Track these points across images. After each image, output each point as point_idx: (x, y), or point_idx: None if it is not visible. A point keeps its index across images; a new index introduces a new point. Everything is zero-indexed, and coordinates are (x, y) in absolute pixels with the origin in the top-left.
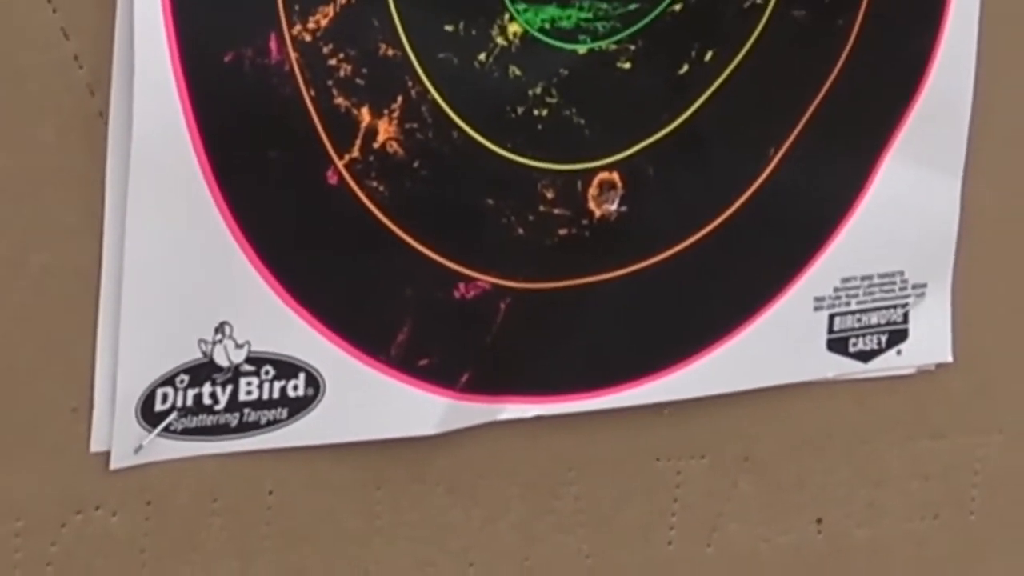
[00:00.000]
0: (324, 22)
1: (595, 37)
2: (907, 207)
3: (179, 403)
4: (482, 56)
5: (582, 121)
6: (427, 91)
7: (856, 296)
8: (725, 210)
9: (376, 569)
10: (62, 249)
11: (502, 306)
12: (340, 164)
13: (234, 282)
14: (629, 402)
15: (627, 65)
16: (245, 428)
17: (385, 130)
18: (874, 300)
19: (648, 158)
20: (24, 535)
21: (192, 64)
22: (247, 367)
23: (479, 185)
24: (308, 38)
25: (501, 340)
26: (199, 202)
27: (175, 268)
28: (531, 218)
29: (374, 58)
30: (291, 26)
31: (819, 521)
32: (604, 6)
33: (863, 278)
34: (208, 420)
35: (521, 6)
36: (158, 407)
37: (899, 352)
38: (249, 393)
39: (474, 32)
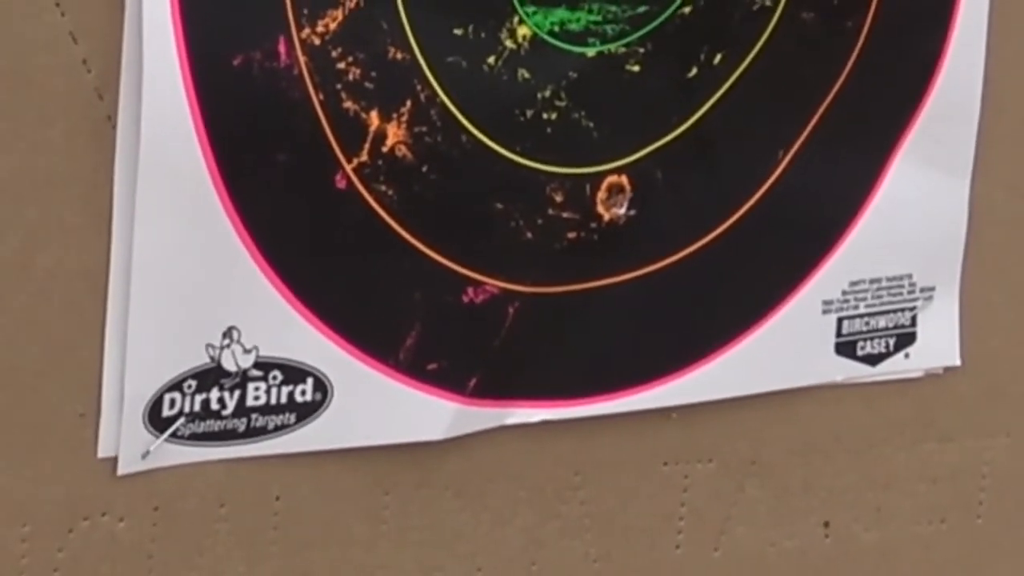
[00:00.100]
0: (333, 25)
1: (604, 40)
2: (915, 210)
3: (187, 408)
4: (491, 59)
5: (591, 124)
6: (436, 94)
7: (864, 299)
8: (734, 213)
9: (383, 573)
10: (70, 253)
11: (511, 310)
12: (349, 168)
13: (242, 286)
14: (637, 406)
15: (636, 68)
16: (253, 433)
17: (394, 134)
18: (882, 303)
19: (657, 161)
20: (31, 540)
21: (201, 68)
22: (255, 372)
23: (488, 189)
24: (317, 41)
25: (509, 344)
26: (207, 206)
27: (183, 272)
28: (540, 222)
29: (383, 61)
30: (300, 29)
31: (826, 524)
32: (613, 9)
33: (871, 281)
34: (216, 425)
35: (530, 9)
36: (165, 412)
37: (907, 355)
38: (257, 398)
39: (483, 35)
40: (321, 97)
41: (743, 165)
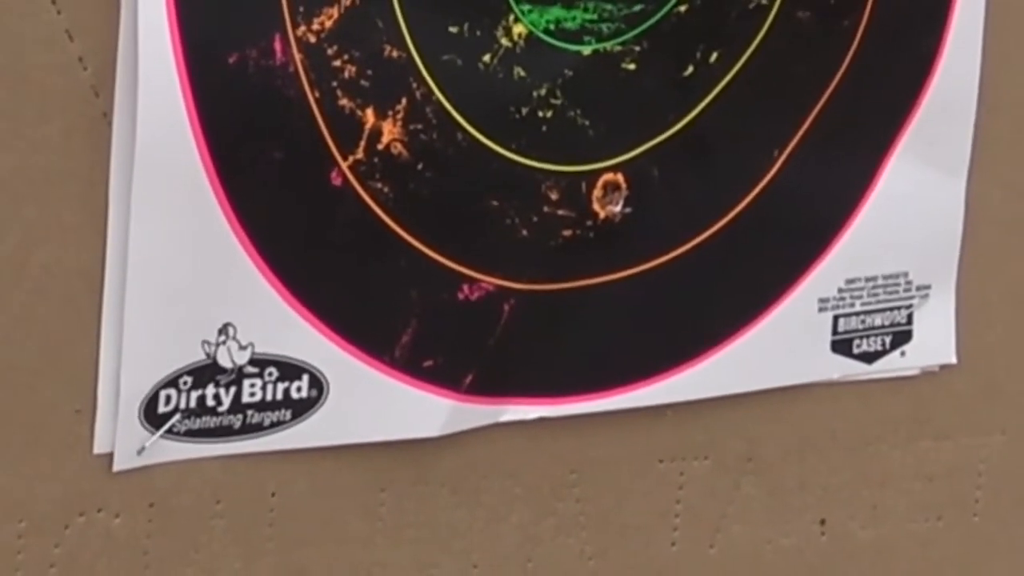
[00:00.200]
0: (328, 23)
1: (600, 38)
2: (912, 208)
3: (182, 405)
4: (487, 57)
5: (587, 122)
6: (432, 92)
7: (860, 297)
8: (730, 211)
9: (379, 571)
10: (65, 250)
11: (506, 307)
12: (344, 165)
13: (238, 283)
14: (632, 403)
15: (632, 66)
16: (248, 430)
17: (389, 131)
18: (878, 301)
19: (653, 159)
20: (27, 537)
21: (196, 65)
22: (250, 369)
23: (483, 186)
24: (312, 39)
25: (505, 341)
26: (203, 203)
27: (179, 269)
28: (535, 219)
29: (379, 59)
30: (295, 27)
31: (822, 522)
32: (609, 7)
33: (867, 279)
34: (211, 422)
35: (526, 7)
36: (161, 409)
37: (903, 353)
38: (252, 395)
39: (479, 33)
40: (317, 95)
41: (739, 163)
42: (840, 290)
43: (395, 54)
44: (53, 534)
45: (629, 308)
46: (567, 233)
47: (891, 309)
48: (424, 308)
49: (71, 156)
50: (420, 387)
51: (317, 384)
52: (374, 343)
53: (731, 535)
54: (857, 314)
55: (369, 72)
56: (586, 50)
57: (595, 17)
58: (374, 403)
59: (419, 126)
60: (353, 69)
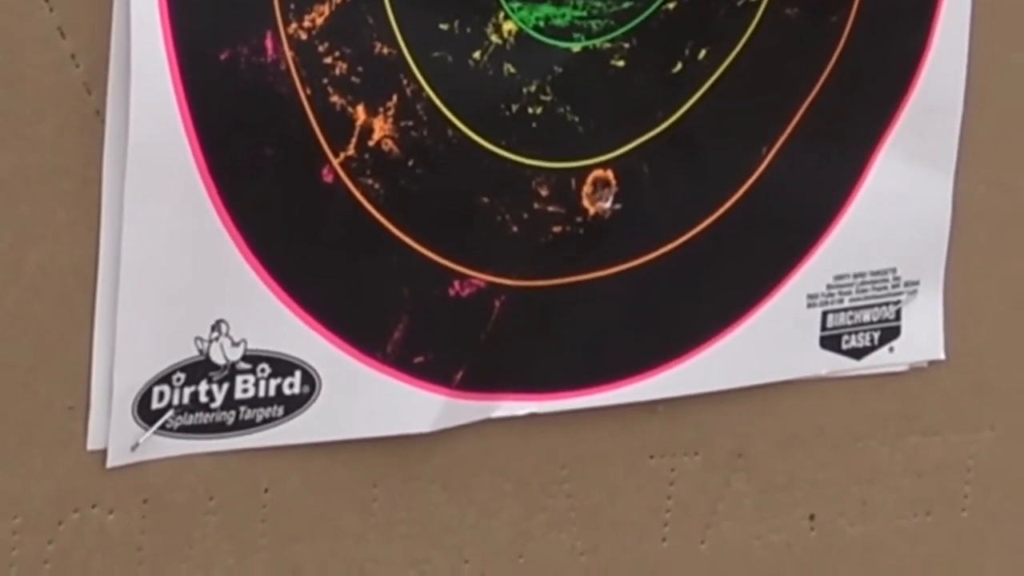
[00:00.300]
0: (319, 21)
1: (589, 35)
2: (900, 204)
3: (175, 401)
4: (477, 54)
5: (576, 119)
6: (422, 89)
7: (849, 293)
8: (719, 208)
9: (372, 566)
10: (58, 247)
11: (497, 304)
12: (336, 162)
13: (230, 280)
14: (623, 399)
15: (621, 63)
16: (241, 426)
17: (380, 128)
18: (867, 297)
19: (642, 156)
20: (21, 533)
21: (188, 63)
22: (243, 365)
23: (474, 183)
24: (304, 36)
25: (496, 338)
26: (195, 200)
27: (171, 266)
28: (525, 216)
29: (369, 56)
30: (287, 24)
31: (812, 518)
32: (598, 4)
33: (856, 275)
34: (204, 418)
35: (516, 4)
36: (154, 405)
37: (891, 349)
38: (245, 391)
39: (469, 30)
40: (308, 92)
41: (728, 159)
42: (829, 286)
43: (386, 51)
44: (47, 530)
45: (619, 304)
46: (557, 229)
47: (879, 305)
48: (415, 304)
49: (64, 153)
50: (412, 383)
51: (309, 380)
52: (366, 339)
53: (721, 531)
54: (846, 310)
55: (360, 69)
56: (575, 47)
57: (584, 14)
58: (366, 399)
59: (410, 123)
60: (344, 66)
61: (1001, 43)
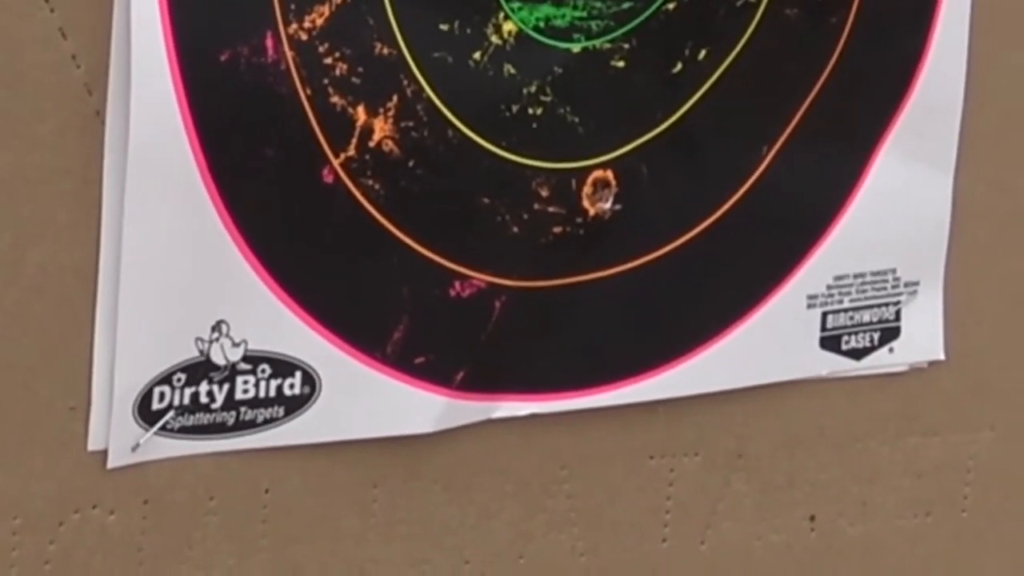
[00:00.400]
0: (320, 21)
1: (589, 36)
2: (899, 204)
3: (176, 402)
4: (477, 55)
5: (576, 119)
6: (422, 90)
7: (849, 294)
8: (718, 208)
9: (372, 567)
10: (59, 248)
11: (497, 304)
12: (336, 163)
13: (231, 280)
14: (623, 400)
15: (621, 64)
16: (242, 427)
17: (381, 129)
18: (867, 298)
19: (642, 156)
20: (22, 533)
21: (189, 63)
22: (244, 365)
23: (474, 183)
24: (304, 37)
25: (496, 338)
26: (196, 201)
27: (172, 266)
28: (526, 216)
29: (369, 57)
30: (287, 25)
31: (812, 518)
32: (598, 5)
33: (856, 276)
34: (205, 419)
35: (516, 5)
36: (155, 406)
37: (891, 350)
38: (246, 392)
39: (469, 31)
40: (308, 92)
41: (728, 160)
42: (829, 287)
43: (386, 51)
44: (48, 531)
45: (620, 305)
46: (557, 230)
47: (879, 305)
48: (416, 305)
49: (64, 154)
50: (412, 384)
51: (310, 381)
52: (366, 340)
53: (721, 531)
54: (846, 310)
55: (360, 70)
56: (576, 48)
57: (584, 15)
58: (366, 400)
59: (410, 123)
60: (344, 67)
61: (1000, 43)
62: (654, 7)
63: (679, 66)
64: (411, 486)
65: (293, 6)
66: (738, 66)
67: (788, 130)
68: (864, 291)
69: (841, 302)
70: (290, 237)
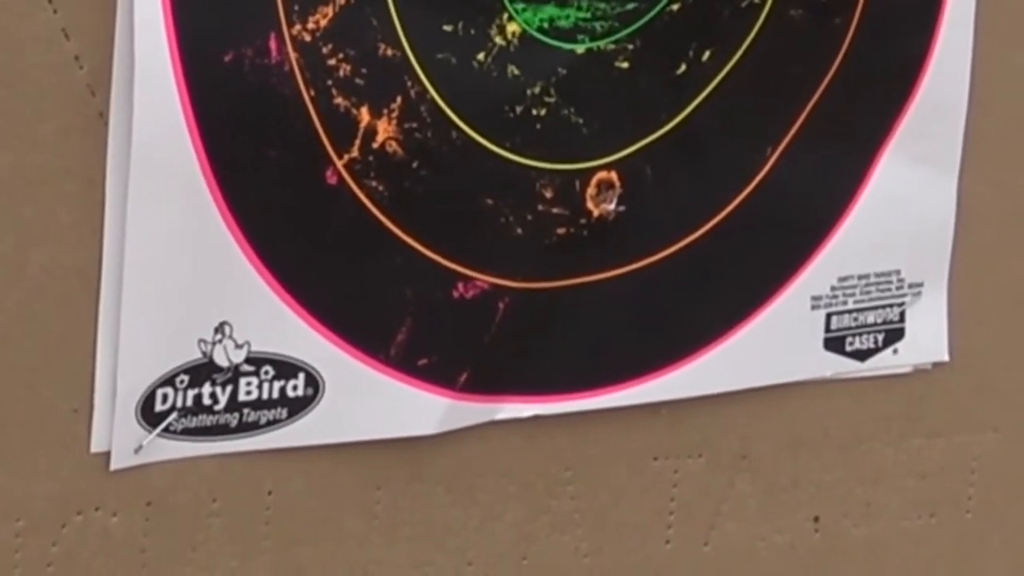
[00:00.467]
0: (323, 22)
1: (593, 37)
2: (904, 206)
3: (179, 403)
4: (481, 56)
5: (580, 121)
6: (426, 91)
7: (853, 295)
8: (722, 209)
9: (375, 568)
10: (62, 249)
11: (500, 306)
12: (339, 164)
13: (234, 282)
14: (626, 401)
15: (625, 65)
16: (245, 428)
17: (384, 130)
18: (871, 299)
19: (646, 158)
20: (24, 535)
21: (192, 64)
22: (247, 367)
23: (478, 185)
24: (308, 38)
25: (499, 340)
26: (199, 202)
27: (175, 268)
28: (529, 217)
29: (373, 58)
30: (291, 26)
31: (816, 520)
32: (602, 6)
33: (860, 277)
34: (208, 420)
35: (520, 6)
36: (158, 407)
37: (895, 351)
38: (249, 393)
39: (473, 32)
40: (312, 93)
41: (732, 161)
42: (833, 288)
43: (390, 53)
44: (50, 533)
45: (623, 306)
46: (561, 231)
47: (884, 307)
48: (419, 306)
49: (67, 155)
50: (415, 385)
51: (313, 383)
52: (370, 341)
53: (725, 533)
54: (850, 312)
55: (364, 71)
56: (580, 48)
57: (588, 16)
58: (370, 401)
59: (414, 124)
60: (348, 68)
61: (1005, 44)
62: (658, 8)
63: (683, 67)
64: (414, 488)
65: (296, 7)
66: (742, 67)
67: (792, 131)
68: (868, 292)
69: (845, 303)
70: (293, 238)
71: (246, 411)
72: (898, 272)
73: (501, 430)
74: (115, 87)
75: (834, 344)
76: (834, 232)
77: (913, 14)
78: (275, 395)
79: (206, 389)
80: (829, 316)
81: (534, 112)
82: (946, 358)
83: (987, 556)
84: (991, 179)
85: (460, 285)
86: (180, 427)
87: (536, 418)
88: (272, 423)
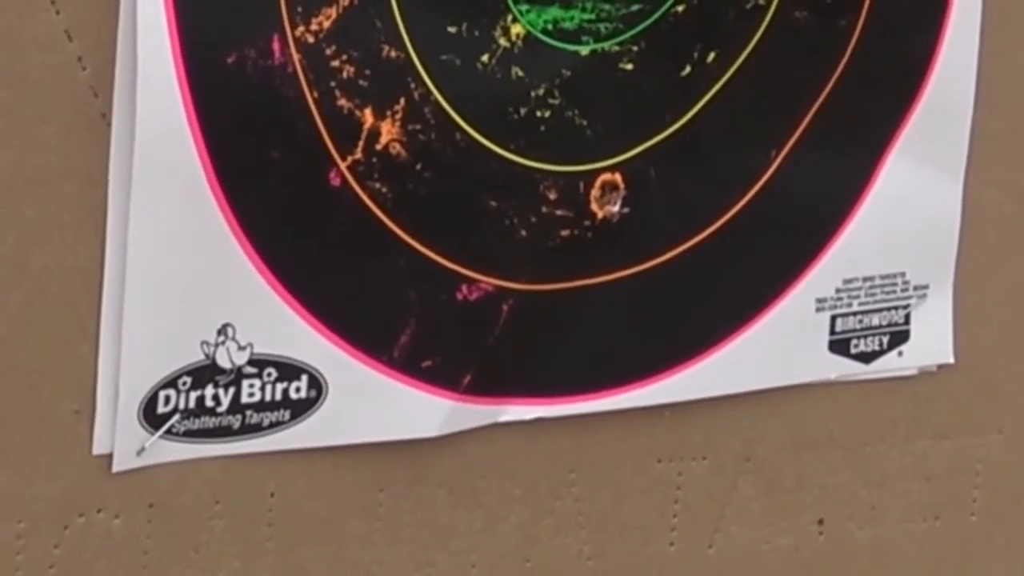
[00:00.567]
0: (327, 24)
1: (597, 38)
2: (909, 208)
3: (181, 405)
4: (485, 57)
5: (584, 122)
6: (430, 92)
7: (858, 297)
8: (727, 211)
9: (378, 570)
10: (65, 251)
11: (504, 308)
12: (343, 166)
13: (236, 284)
14: (630, 403)
15: (629, 66)
16: (247, 430)
17: (388, 131)
18: (876, 301)
19: (650, 159)
20: (26, 537)
21: (195, 66)
22: (249, 369)
23: (482, 186)
24: (311, 39)
25: (503, 342)
26: (202, 204)
27: (178, 270)
28: (533, 219)
29: (377, 59)
30: (294, 27)
31: (820, 522)
32: (607, 7)
33: (865, 279)
34: (210, 422)
35: (524, 7)
36: (160, 409)
37: (900, 353)
38: (251, 395)
39: (477, 33)
40: (315, 95)
41: (737, 163)
42: (838, 290)
43: (393, 54)
44: (53, 535)
45: (627, 308)
46: (565, 233)
47: (889, 309)
48: (423, 308)
49: (70, 156)
50: (419, 387)
51: (316, 384)
52: (373, 343)
53: (729, 535)
54: (855, 314)
55: (367, 72)
56: (584, 50)
57: (593, 17)
58: (373, 403)
59: (417, 126)
60: (351, 69)
61: (1011, 45)
62: (663, 9)
63: (688, 69)
64: (417, 490)
65: (300, 8)
66: (747, 69)
67: (797, 133)
68: (873, 294)
69: (850, 305)
70: (296, 240)
71: (249, 413)
72: (903, 274)
73: (504, 432)
74: (118, 88)
75: (839, 346)
76: (839, 234)
77: (919, 16)
78: (278, 397)
79: (209, 391)
80: (834, 318)
81: (538, 114)
82: (951, 360)
83: (992, 559)
84: (997, 181)
85: (464, 287)
86: (182, 429)
87: (540, 420)
88: (275, 425)
